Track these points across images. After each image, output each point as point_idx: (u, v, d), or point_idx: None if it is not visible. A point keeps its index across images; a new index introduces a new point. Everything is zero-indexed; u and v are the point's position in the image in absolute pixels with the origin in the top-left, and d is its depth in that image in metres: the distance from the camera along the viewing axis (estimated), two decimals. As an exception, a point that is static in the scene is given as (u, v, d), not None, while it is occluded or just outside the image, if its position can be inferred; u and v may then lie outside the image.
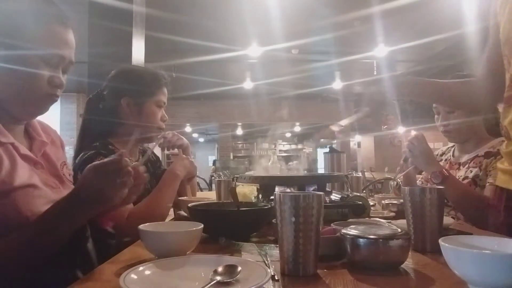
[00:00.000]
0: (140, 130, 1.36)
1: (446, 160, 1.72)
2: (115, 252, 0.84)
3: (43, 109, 0.88)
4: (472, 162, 1.52)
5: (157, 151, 1.89)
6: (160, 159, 1.68)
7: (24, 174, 0.80)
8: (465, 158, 1.59)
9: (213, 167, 13.00)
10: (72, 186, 0.93)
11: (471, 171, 1.50)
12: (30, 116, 0.90)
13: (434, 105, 1.61)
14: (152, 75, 1.43)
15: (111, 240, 1.14)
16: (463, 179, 1.52)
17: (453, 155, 1.69)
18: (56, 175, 0.91)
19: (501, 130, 1.06)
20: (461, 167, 1.59)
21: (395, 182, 1.94)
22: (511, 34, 0.94)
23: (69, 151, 1.35)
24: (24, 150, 0.84)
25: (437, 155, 1.79)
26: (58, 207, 0.74)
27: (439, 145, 1.82)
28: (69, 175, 0.98)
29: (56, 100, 0.89)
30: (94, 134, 1.35)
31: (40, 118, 1.01)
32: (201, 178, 6.10)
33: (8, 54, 0.80)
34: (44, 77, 0.83)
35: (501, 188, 1.07)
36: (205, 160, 15.32)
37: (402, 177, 1.74)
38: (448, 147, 1.78)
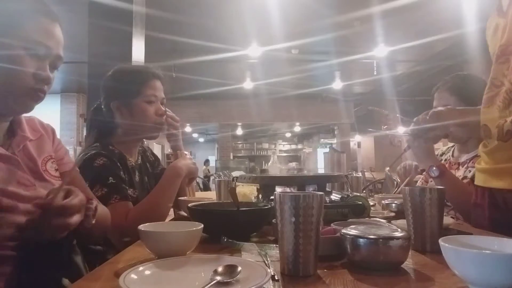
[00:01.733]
0: (136, 129, 1.35)
1: (445, 160, 1.72)
2: (102, 257, 0.84)
3: (27, 106, 0.84)
4: (471, 162, 1.53)
5: (157, 151, 1.89)
6: (160, 159, 1.67)
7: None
8: (464, 158, 1.59)
9: (204, 167, 12.68)
10: (55, 182, 0.90)
11: (470, 171, 1.50)
12: (13, 113, 0.87)
13: (434, 104, 1.62)
14: (135, 73, 1.40)
15: (97, 247, 1.14)
16: (462, 178, 1.52)
17: (452, 155, 1.70)
18: (33, 172, 0.88)
19: (480, 131, 1.09)
20: (460, 167, 1.59)
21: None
22: (495, 47, 1.02)
23: (69, 151, 1.35)
24: None
25: (437, 155, 1.79)
26: None
27: (439, 145, 1.82)
28: (55, 170, 0.95)
29: (42, 97, 0.85)
30: (96, 136, 1.36)
31: (40, 118, 1.01)
32: (201, 178, 6.10)
33: None
34: (30, 71, 0.80)
35: (482, 187, 1.11)
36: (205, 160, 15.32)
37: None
38: (448, 147, 1.78)
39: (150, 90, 1.36)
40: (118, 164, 1.25)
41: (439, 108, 1.25)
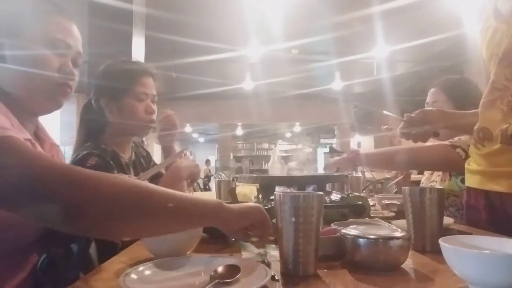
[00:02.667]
0: (125, 127, 1.33)
1: None
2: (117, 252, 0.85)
3: (57, 102, 0.88)
4: None
5: (157, 152, 1.87)
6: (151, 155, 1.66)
7: None
8: None
9: (205, 167, 12.59)
10: None
11: None
12: (45, 110, 0.90)
13: (427, 100, 1.67)
14: (126, 69, 1.38)
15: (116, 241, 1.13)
16: None
17: None
18: None
19: (475, 134, 1.10)
20: None
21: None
22: (494, 52, 1.03)
23: (69, 151, 1.35)
24: (39, 148, 0.86)
25: None
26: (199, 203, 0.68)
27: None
28: None
29: (69, 92, 0.89)
30: (86, 134, 1.35)
31: (40, 118, 1.01)
32: (201, 178, 6.10)
33: (16, 49, 0.80)
34: (53, 66, 0.84)
35: (475, 189, 1.11)
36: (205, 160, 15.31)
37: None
38: None
39: (140, 88, 1.32)
40: (112, 162, 1.24)
41: (428, 108, 1.26)
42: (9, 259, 0.73)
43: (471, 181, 1.13)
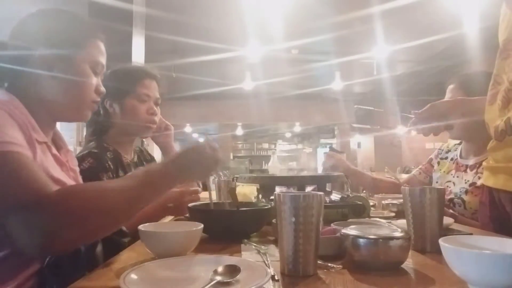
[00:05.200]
0: (126, 127, 1.37)
1: (452, 159, 1.63)
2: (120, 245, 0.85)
3: (87, 115, 0.95)
4: (481, 167, 1.41)
5: (157, 153, 1.88)
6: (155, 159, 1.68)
7: (59, 173, 0.84)
8: (472, 160, 1.50)
9: None
10: None
11: (479, 177, 1.40)
12: (73, 120, 1.00)
13: (445, 97, 1.56)
14: (129, 72, 1.42)
15: (124, 239, 1.13)
16: (470, 185, 1.44)
17: (460, 155, 1.59)
18: (77, 181, 0.96)
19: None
20: (468, 170, 1.50)
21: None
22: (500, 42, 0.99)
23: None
24: (55, 151, 0.89)
25: (442, 151, 1.72)
26: (153, 169, 0.79)
27: (439, 145, 1.80)
28: None
29: (96, 108, 0.97)
30: (91, 134, 1.39)
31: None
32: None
33: (65, 66, 0.87)
34: (93, 85, 0.92)
35: (487, 185, 1.10)
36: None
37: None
38: (455, 144, 1.67)
39: (143, 89, 1.37)
40: (107, 164, 1.26)
41: (438, 101, 1.22)
42: (18, 256, 0.73)
43: (482, 177, 1.13)
